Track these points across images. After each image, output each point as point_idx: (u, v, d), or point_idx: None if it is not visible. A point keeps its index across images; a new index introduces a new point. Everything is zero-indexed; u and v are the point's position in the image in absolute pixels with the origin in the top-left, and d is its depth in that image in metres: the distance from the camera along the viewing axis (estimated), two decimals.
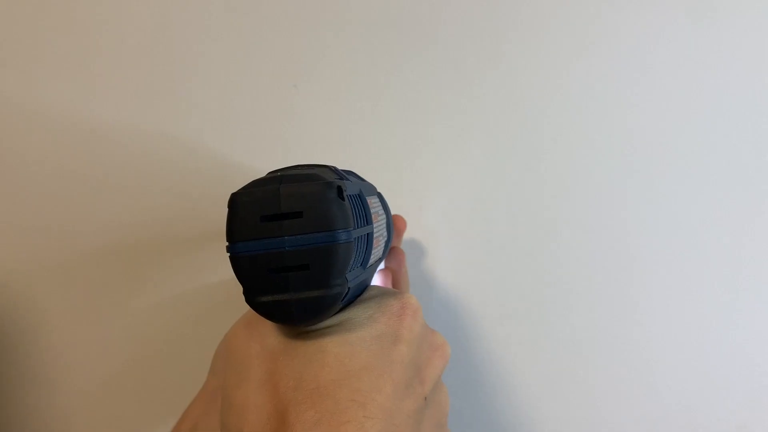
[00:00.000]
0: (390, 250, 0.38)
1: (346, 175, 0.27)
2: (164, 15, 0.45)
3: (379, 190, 0.35)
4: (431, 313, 0.45)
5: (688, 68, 0.42)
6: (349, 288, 0.23)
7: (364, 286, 0.28)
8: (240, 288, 0.23)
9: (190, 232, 0.46)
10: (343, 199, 0.22)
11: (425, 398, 0.26)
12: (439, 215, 0.45)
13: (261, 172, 0.45)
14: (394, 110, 0.44)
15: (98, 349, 0.48)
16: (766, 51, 0.41)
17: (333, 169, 0.26)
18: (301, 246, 0.22)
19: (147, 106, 0.46)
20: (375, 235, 0.27)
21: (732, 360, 0.43)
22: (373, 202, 0.29)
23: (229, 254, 0.22)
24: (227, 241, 0.22)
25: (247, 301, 0.23)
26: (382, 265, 0.38)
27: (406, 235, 0.45)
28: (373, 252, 0.27)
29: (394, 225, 0.39)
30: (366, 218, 0.26)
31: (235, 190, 0.23)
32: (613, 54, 0.42)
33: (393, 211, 0.39)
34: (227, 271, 0.48)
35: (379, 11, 0.44)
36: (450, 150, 0.44)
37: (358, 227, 0.24)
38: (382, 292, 0.28)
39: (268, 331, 0.26)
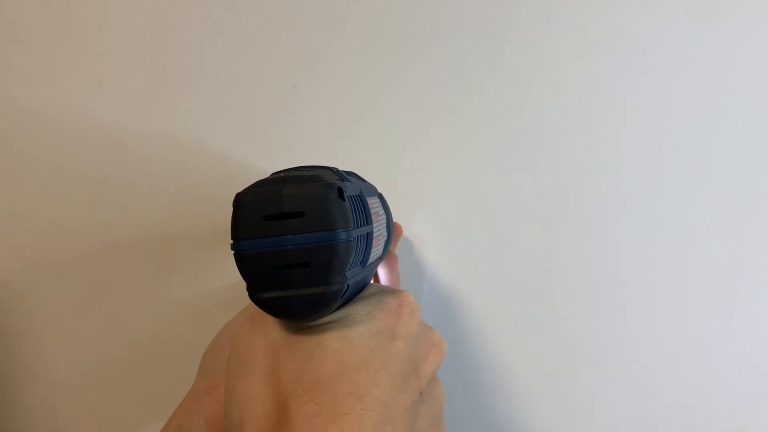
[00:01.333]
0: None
1: (347, 177, 0.28)
2: (164, 15, 0.45)
3: (379, 191, 0.35)
4: (428, 310, 0.45)
5: (688, 68, 0.42)
6: (348, 285, 0.24)
7: (364, 283, 0.29)
8: (238, 289, 0.23)
9: (190, 232, 0.46)
10: (343, 199, 0.23)
11: (421, 392, 0.26)
12: (439, 215, 0.45)
13: (261, 171, 0.45)
14: (394, 110, 0.44)
15: (97, 350, 0.48)
16: (766, 51, 0.41)
17: (334, 171, 0.27)
18: (303, 244, 0.23)
19: (147, 106, 0.46)
20: (375, 235, 0.28)
21: (732, 360, 0.43)
22: (373, 203, 0.30)
23: (233, 252, 0.23)
24: (232, 239, 0.23)
25: (251, 296, 0.24)
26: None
27: (406, 232, 0.45)
28: (372, 251, 0.28)
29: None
30: (366, 218, 0.26)
31: (235, 189, 0.24)
32: (613, 54, 0.42)
33: (393, 212, 0.39)
34: (226, 271, 0.48)
35: (379, 11, 0.44)
36: (450, 149, 0.44)
37: (357, 227, 0.24)
38: (381, 290, 0.29)
39: (270, 326, 0.26)
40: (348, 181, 0.26)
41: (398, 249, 0.44)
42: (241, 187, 0.24)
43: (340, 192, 0.23)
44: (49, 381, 0.49)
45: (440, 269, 0.45)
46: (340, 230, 0.23)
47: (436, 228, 0.45)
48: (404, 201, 0.44)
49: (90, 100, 0.46)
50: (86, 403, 0.49)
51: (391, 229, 0.36)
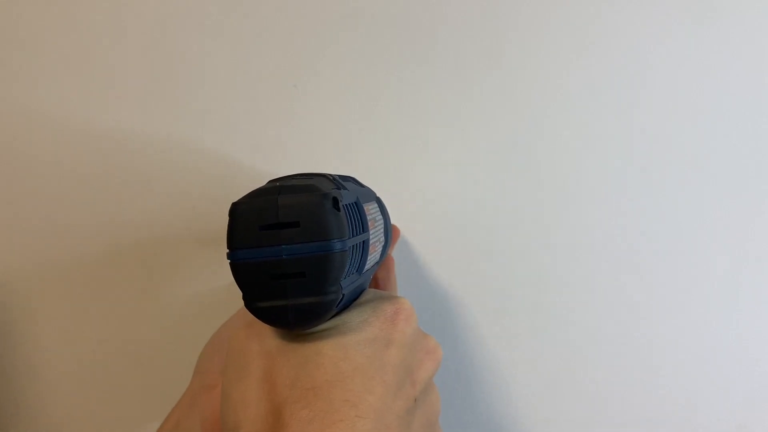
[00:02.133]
0: None
1: (344, 183, 0.28)
2: (165, 15, 0.45)
3: (378, 194, 0.35)
4: (427, 310, 0.45)
5: (688, 68, 0.42)
6: (343, 295, 0.24)
7: (361, 290, 0.29)
8: (236, 290, 0.24)
9: (190, 232, 0.46)
10: (338, 209, 0.23)
11: (415, 399, 0.27)
12: (438, 215, 0.45)
13: (261, 172, 0.45)
14: (395, 110, 0.44)
15: (96, 350, 0.48)
16: (766, 51, 0.41)
17: (331, 178, 0.27)
18: (298, 254, 0.23)
19: (147, 107, 0.46)
20: (371, 241, 0.28)
21: (732, 360, 0.43)
22: (370, 209, 0.30)
23: (229, 261, 0.23)
24: (228, 248, 0.23)
25: (247, 306, 0.24)
26: None
27: (405, 234, 0.45)
28: (369, 257, 0.28)
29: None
30: (362, 226, 0.27)
31: (234, 189, 0.24)
32: (614, 54, 0.42)
33: (391, 212, 0.39)
34: (225, 272, 0.48)
35: (380, 11, 0.44)
36: (450, 150, 0.44)
37: (353, 236, 0.25)
38: (377, 296, 0.29)
39: (267, 331, 0.26)
40: (344, 188, 0.27)
41: (396, 250, 0.44)
42: (240, 187, 0.24)
43: (335, 202, 0.23)
44: (48, 381, 0.49)
45: (439, 270, 0.45)
46: (335, 240, 0.23)
47: (435, 228, 0.45)
48: (404, 201, 0.44)
49: (90, 100, 0.46)
50: (85, 403, 0.49)
51: (389, 233, 0.36)
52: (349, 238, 0.24)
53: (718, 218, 0.43)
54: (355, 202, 0.27)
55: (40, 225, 0.47)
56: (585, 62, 0.42)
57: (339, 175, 0.30)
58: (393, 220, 0.43)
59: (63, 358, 0.48)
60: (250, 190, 0.25)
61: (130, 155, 0.46)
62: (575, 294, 0.44)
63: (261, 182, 0.45)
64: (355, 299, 0.28)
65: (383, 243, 0.33)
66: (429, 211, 0.45)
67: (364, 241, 0.27)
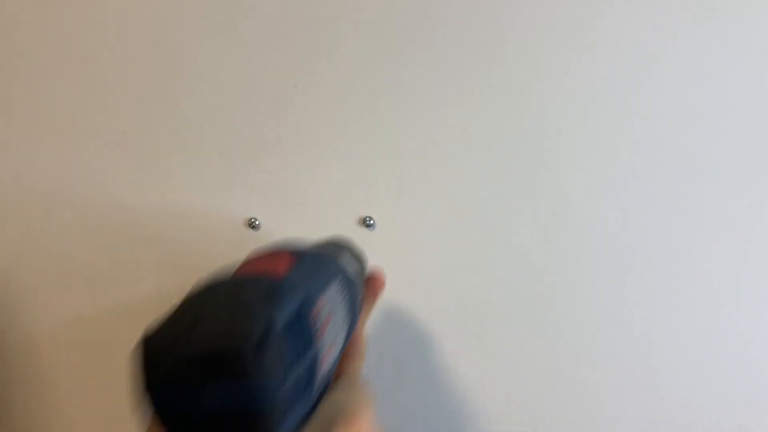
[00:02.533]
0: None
1: (298, 266, 0.24)
2: (165, 15, 0.45)
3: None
4: (426, 313, 0.45)
5: (688, 68, 0.42)
6: None
7: (317, 401, 0.25)
8: None
9: (190, 233, 0.46)
10: (267, 347, 0.19)
11: None
12: (439, 215, 0.45)
13: (261, 172, 0.45)
14: (395, 111, 0.44)
15: (96, 351, 0.48)
16: (766, 51, 0.41)
17: (270, 280, 0.22)
18: (220, 405, 0.19)
19: (147, 107, 0.46)
20: (323, 350, 0.24)
21: (732, 360, 0.43)
22: (325, 301, 0.26)
23: (145, 400, 0.20)
24: (141, 385, 0.20)
25: None
26: None
27: (406, 235, 0.45)
28: (320, 369, 0.24)
29: (369, 287, 0.35)
30: (307, 342, 0.23)
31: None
32: (614, 54, 0.42)
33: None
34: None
35: (380, 11, 0.44)
36: (450, 150, 0.44)
37: (293, 363, 0.21)
38: (331, 412, 0.25)
39: None
40: (292, 281, 0.22)
41: (396, 250, 0.44)
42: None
43: (263, 340, 0.19)
44: (48, 381, 0.49)
45: (439, 270, 0.45)
46: (263, 388, 0.19)
47: (434, 227, 0.45)
48: (403, 202, 0.44)
49: (90, 100, 0.46)
50: (85, 403, 0.49)
51: (356, 308, 0.31)
52: (284, 378, 0.20)
53: (718, 218, 0.42)
54: (297, 312, 0.22)
55: (40, 225, 0.47)
56: (585, 62, 0.42)
57: (298, 251, 0.25)
58: (392, 221, 0.43)
59: (63, 358, 0.48)
60: (167, 311, 0.21)
61: (130, 155, 0.46)
62: (575, 294, 0.44)
63: (260, 182, 0.45)
64: (310, 414, 0.24)
65: (345, 332, 0.28)
66: (428, 210, 0.45)
67: (312, 358, 0.23)
